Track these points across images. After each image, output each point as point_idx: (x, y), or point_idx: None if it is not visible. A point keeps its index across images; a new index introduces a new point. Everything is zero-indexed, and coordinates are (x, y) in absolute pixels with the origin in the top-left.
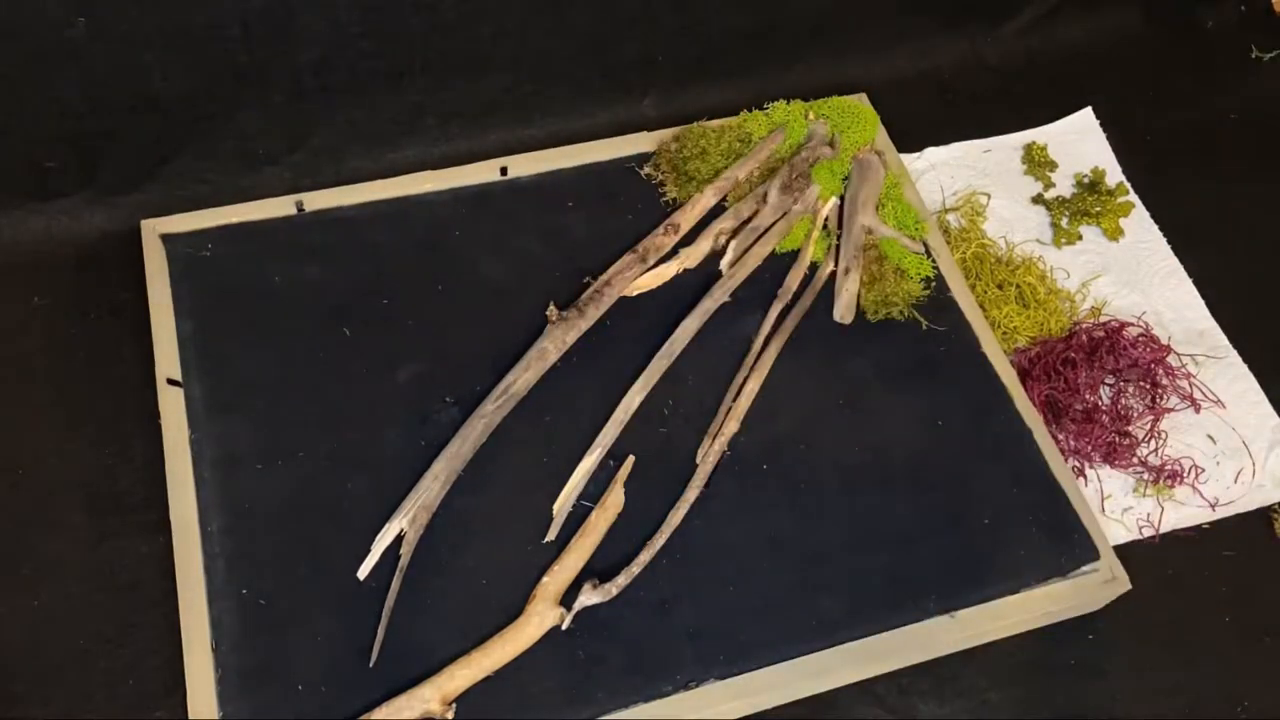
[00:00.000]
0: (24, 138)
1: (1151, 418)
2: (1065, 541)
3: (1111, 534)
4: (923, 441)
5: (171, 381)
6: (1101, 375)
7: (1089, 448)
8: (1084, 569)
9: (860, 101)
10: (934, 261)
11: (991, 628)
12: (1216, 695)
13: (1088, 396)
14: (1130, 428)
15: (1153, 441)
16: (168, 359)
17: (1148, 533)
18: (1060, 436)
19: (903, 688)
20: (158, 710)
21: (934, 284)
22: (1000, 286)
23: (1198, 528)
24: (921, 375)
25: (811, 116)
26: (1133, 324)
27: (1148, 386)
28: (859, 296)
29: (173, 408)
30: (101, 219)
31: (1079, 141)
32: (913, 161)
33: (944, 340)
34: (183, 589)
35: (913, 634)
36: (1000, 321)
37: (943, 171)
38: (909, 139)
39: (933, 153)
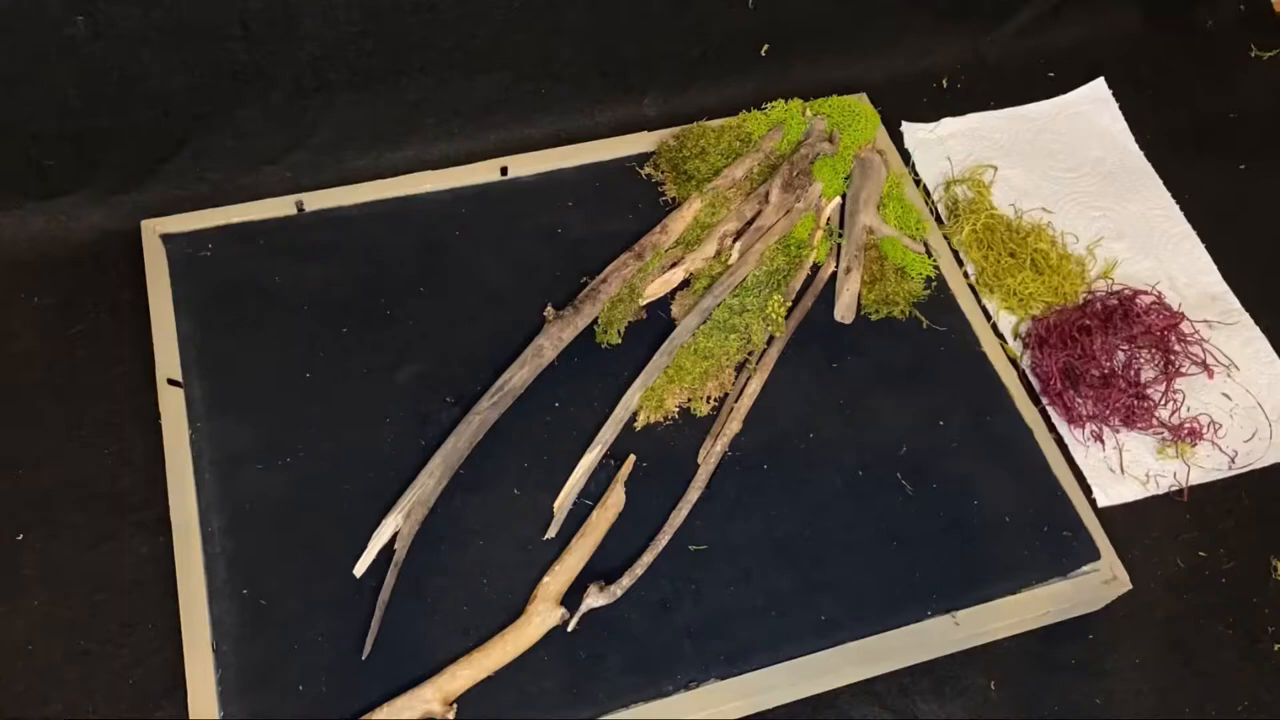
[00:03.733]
0: (24, 137)
1: (1166, 380)
2: (1065, 541)
3: (1133, 492)
4: (923, 441)
5: (171, 381)
6: (1116, 342)
7: (1107, 411)
8: (1084, 569)
9: (860, 101)
10: (934, 261)
11: (992, 628)
12: (1217, 695)
13: (1104, 362)
14: (1147, 391)
15: (1170, 404)
16: (168, 359)
17: (1173, 488)
18: (1079, 401)
19: (903, 687)
20: (158, 710)
21: (935, 283)
22: (1013, 255)
23: (1197, 529)
24: (922, 375)
25: (809, 114)
26: (1145, 292)
27: (1161, 352)
28: (860, 296)
29: (173, 407)
30: (101, 218)
31: (1093, 111)
32: (930, 131)
33: (944, 340)
34: (183, 589)
35: (913, 634)
36: (1015, 289)
37: (959, 142)
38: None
39: (949, 123)
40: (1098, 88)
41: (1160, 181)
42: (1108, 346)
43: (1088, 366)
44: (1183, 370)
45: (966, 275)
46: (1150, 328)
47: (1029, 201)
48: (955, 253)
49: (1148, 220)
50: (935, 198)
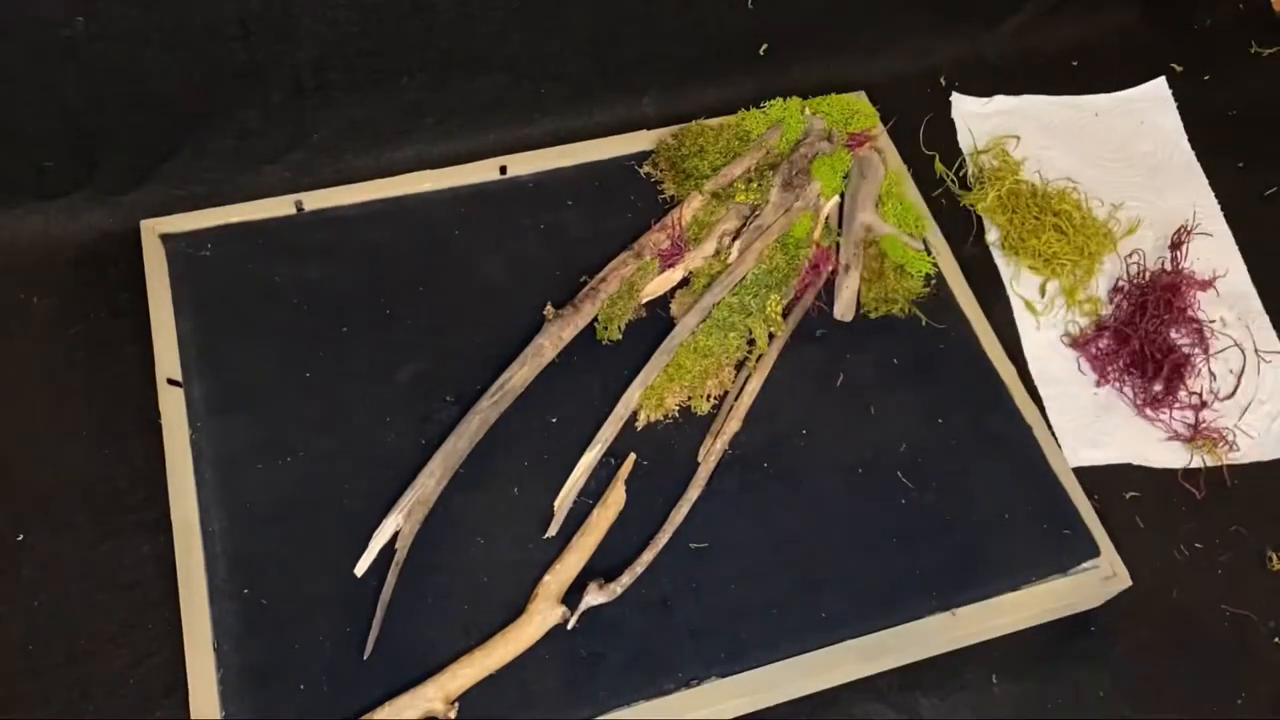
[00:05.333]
0: (23, 137)
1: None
2: (1064, 538)
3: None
4: (923, 439)
5: (171, 381)
6: (1161, 329)
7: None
8: (1084, 565)
9: (859, 99)
10: (933, 259)
11: (992, 625)
12: (1216, 687)
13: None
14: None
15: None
16: (168, 359)
17: (1182, 465)
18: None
19: (904, 683)
20: (159, 710)
21: (934, 281)
22: (1038, 218)
23: (1195, 521)
24: (921, 372)
25: (808, 113)
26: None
27: (1196, 337)
28: (859, 294)
29: (173, 407)
30: (101, 219)
31: (1150, 109)
32: (982, 106)
33: (944, 338)
34: (184, 588)
35: (913, 631)
36: (1040, 249)
37: (1007, 120)
38: (908, 137)
39: (1002, 100)
40: (1158, 86)
41: (1206, 181)
42: (1156, 332)
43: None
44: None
45: (989, 245)
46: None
47: (1065, 180)
48: (979, 219)
49: (1185, 214)
50: (966, 169)
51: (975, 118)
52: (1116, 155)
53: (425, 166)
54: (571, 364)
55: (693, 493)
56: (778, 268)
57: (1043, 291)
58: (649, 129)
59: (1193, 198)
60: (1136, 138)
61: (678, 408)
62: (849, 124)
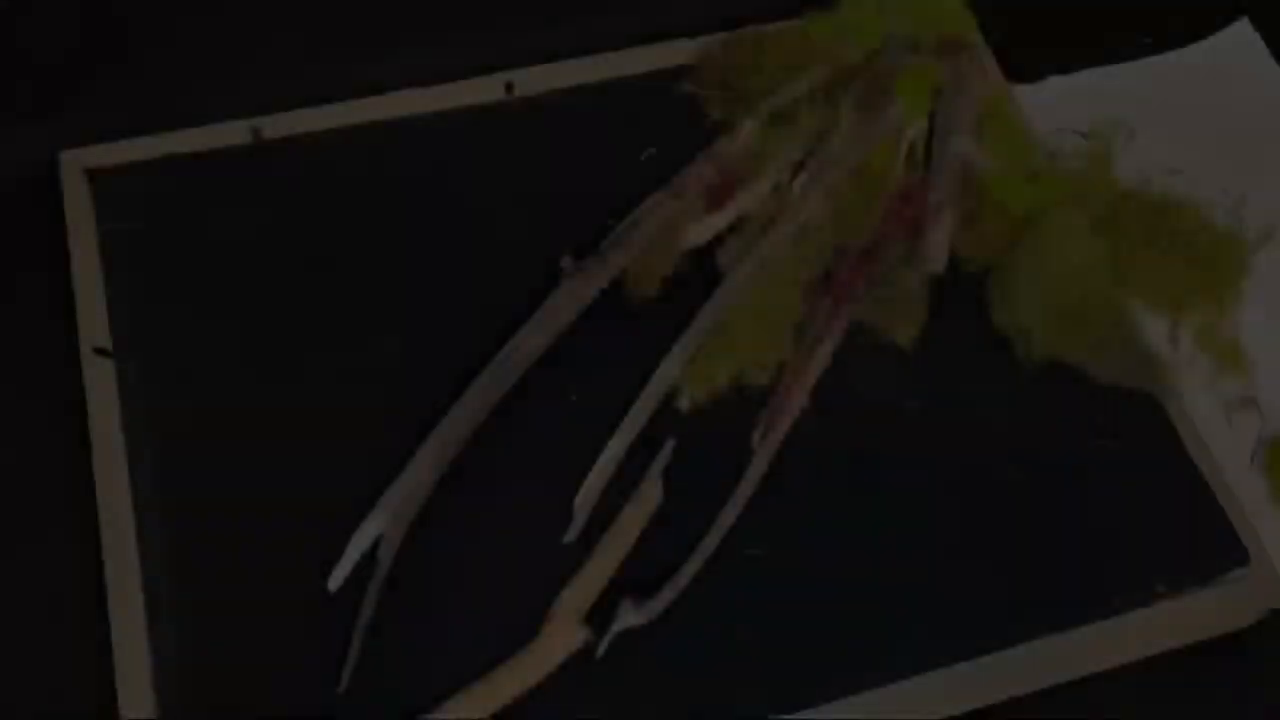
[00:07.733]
0: None
1: None
2: (1207, 543)
3: None
4: (1035, 424)
5: (99, 351)
6: None
7: None
8: (1231, 575)
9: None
10: None
11: (1120, 650)
12: None
13: None
14: None
15: None
16: (94, 323)
17: None
18: None
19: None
20: None
21: None
22: (1151, 241)
23: None
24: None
25: (887, 15)
26: None
27: None
28: (953, 242)
29: (100, 383)
30: (9, 150)
31: (1234, 60)
32: (1031, 95)
33: None
34: (115, 606)
35: (1024, 658)
36: (1164, 285)
37: (1068, 108)
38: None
39: (1056, 82)
40: (1240, 31)
41: None
42: None
43: None
44: None
45: None
46: None
47: (1159, 173)
48: None
49: None
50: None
51: (1031, 110)
52: (1207, 131)
53: (414, 83)
54: (595, 329)
55: (747, 488)
56: (852, 208)
57: (1174, 341)
58: (690, 37)
59: None
60: (1227, 104)
61: (728, 383)
62: (939, 28)
